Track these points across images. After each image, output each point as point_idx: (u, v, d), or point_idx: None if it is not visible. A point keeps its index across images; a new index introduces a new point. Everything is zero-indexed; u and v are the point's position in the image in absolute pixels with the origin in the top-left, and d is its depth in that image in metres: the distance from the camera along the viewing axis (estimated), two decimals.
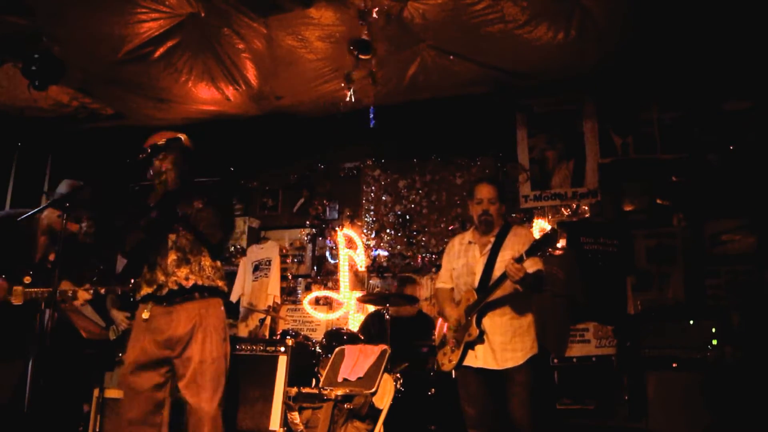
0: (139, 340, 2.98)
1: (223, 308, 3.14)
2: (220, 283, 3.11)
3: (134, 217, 3.11)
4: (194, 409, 2.91)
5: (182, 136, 3.10)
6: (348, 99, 5.03)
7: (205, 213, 3.05)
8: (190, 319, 2.97)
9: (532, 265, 3.21)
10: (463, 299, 3.44)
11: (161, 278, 3.00)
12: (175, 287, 2.99)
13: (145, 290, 3.03)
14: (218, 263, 3.16)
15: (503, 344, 3.28)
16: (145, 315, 2.99)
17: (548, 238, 3.15)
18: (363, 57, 4.54)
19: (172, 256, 3.03)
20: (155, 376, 2.96)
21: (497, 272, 3.33)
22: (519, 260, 3.14)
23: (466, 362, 3.36)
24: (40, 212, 3.61)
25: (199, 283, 3.02)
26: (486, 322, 3.32)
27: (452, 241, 3.73)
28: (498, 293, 3.30)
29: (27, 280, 3.56)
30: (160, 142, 3.06)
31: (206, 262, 3.08)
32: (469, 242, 3.56)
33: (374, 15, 4.29)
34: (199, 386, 2.91)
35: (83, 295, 3.60)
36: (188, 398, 2.93)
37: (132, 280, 3.25)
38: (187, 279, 3.00)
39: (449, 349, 3.46)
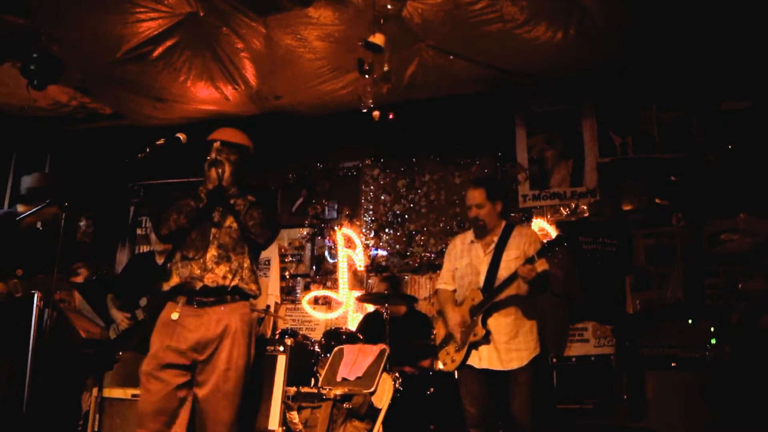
0: (165, 340, 2.87)
1: (250, 312, 3.08)
2: (254, 287, 3.04)
3: (177, 200, 3.03)
4: (211, 417, 2.84)
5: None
6: (368, 93, 4.99)
7: (256, 212, 3.01)
8: (220, 322, 2.89)
9: (540, 265, 3.21)
10: (467, 299, 3.43)
11: (196, 272, 2.92)
12: (211, 284, 2.91)
13: (175, 281, 2.94)
14: (255, 266, 3.10)
15: (508, 344, 3.28)
16: (174, 315, 2.89)
17: (561, 240, 3.17)
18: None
19: (213, 252, 2.95)
20: (179, 376, 2.86)
21: (502, 272, 3.32)
22: (530, 261, 3.14)
23: (470, 362, 3.35)
24: (39, 210, 3.61)
25: (236, 284, 2.95)
26: (491, 322, 3.31)
27: (453, 241, 3.72)
28: (504, 294, 3.30)
29: (19, 272, 3.56)
30: (229, 140, 3.09)
31: (246, 263, 3.01)
32: (471, 241, 3.55)
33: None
34: (223, 395, 2.84)
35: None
36: (207, 405, 2.85)
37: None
38: (224, 278, 2.93)
39: (453, 348, 3.46)
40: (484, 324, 3.30)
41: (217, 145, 3.05)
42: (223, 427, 2.85)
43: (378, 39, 4.28)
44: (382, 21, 4.25)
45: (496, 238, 3.45)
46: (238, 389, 2.90)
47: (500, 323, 3.32)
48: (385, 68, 4.49)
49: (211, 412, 2.85)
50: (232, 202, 3.02)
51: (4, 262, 3.67)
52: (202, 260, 2.94)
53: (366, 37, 4.24)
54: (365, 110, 4.91)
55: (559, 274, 5.23)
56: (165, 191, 3.18)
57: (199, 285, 2.91)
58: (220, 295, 2.93)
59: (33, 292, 3.53)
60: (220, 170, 3.01)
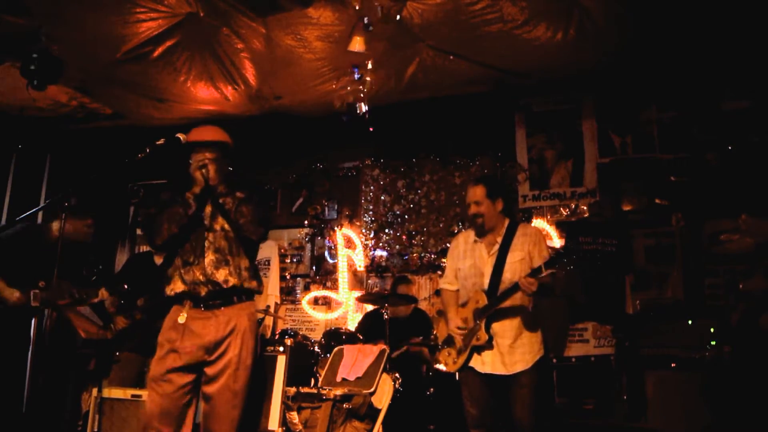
0: (173, 342, 2.88)
1: (255, 312, 3.11)
2: (255, 283, 3.05)
3: (167, 207, 3.01)
4: (220, 415, 2.86)
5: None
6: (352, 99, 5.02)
7: (246, 208, 2.99)
8: (228, 323, 2.91)
9: (547, 273, 3.14)
10: (470, 300, 3.39)
11: (199, 277, 2.92)
12: (214, 289, 2.92)
13: (180, 287, 2.94)
14: (253, 263, 3.09)
15: (511, 347, 3.25)
16: (182, 319, 2.90)
17: (570, 253, 3.12)
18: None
19: (210, 257, 2.95)
20: (185, 377, 2.87)
21: (507, 274, 3.29)
22: (537, 271, 3.09)
23: (474, 365, 3.32)
24: (43, 214, 3.65)
25: (238, 286, 2.96)
26: (495, 326, 3.28)
27: (456, 240, 3.63)
28: (509, 302, 3.26)
29: (42, 284, 3.62)
30: (208, 139, 3.05)
31: (243, 263, 3.01)
32: (475, 241, 3.48)
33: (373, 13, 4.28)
34: (233, 393, 2.87)
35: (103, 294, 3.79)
36: (216, 404, 2.87)
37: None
38: (225, 282, 2.93)
39: (455, 350, 3.43)
40: (488, 329, 3.26)
41: (199, 151, 3.04)
42: (231, 425, 2.86)
43: (356, 45, 4.29)
44: (365, 22, 4.26)
45: (500, 239, 3.39)
46: (246, 387, 2.92)
47: (504, 326, 3.28)
48: (368, 66, 4.54)
49: (220, 410, 2.86)
50: (221, 201, 3.02)
51: (27, 272, 3.74)
52: (201, 266, 2.94)
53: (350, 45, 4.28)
54: (361, 112, 4.93)
55: (560, 274, 5.23)
56: (158, 194, 3.15)
57: (203, 290, 2.92)
58: (225, 297, 2.95)
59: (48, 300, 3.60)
60: (204, 171, 3.00)
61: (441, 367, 3.64)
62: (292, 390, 3.99)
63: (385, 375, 4.11)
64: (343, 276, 6.25)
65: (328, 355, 4.49)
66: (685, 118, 5.61)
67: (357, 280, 6.36)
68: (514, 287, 3.18)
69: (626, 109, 5.82)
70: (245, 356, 2.92)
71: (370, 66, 4.74)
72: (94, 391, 3.80)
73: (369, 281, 6.39)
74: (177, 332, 2.90)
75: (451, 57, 5.17)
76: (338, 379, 4.21)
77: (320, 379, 4.34)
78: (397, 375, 4.23)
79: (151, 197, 3.13)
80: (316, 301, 6.42)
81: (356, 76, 4.81)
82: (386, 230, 6.43)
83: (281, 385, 4.01)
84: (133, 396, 3.68)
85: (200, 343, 2.87)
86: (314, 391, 4.00)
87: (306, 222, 6.73)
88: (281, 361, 4.14)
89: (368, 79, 4.79)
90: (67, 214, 3.97)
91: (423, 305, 5.90)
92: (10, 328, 3.77)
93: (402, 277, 5.81)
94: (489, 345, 3.27)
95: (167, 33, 4.78)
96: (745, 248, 5.13)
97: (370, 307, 5.72)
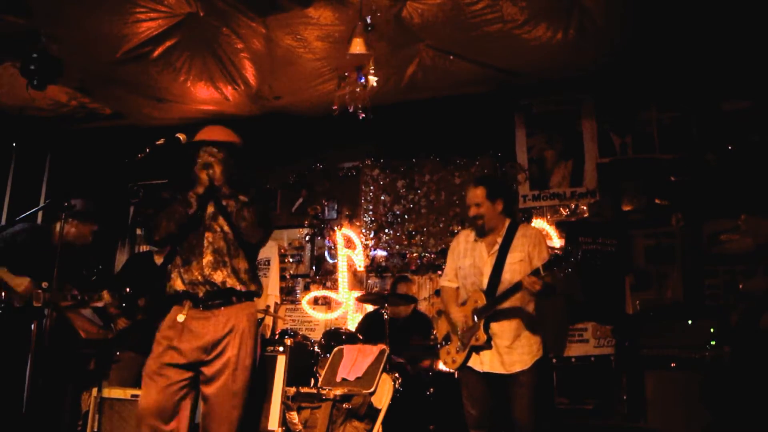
0: (172, 341, 2.88)
1: (256, 313, 3.10)
2: (254, 287, 3.05)
3: (168, 205, 3.01)
4: (219, 416, 2.85)
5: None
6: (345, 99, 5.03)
7: (247, 212, 2.97)
8: (227, 323, 2.91)
9: (546, 276, 3.15)
10: (470, 300, 3.39)
11: (198, 277, 2.92)
12: (212, 289, 2.92)
13: (180, 287, 2.94)
14: (253, 265, 3.09)
15: (510, 347, 3.25)
16: (181, 318, 2.90)
17: (569, 254, 3.11)
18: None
19: (209, 257, 2.94)
20: (181, 374, 2.87)
21: (506, 275, 3.29)
22: (536, 273, 3.09)
23: (472, 365, 3.32)
24: (43, 214, 3.64)
25: (237, 287, 2.95)
26: (494, 326, 3.28)
27: (457, 238, 3.64)
28: (508, 303, 3.26)
29: (45, 285, 3.62)
30: (216, 139, 3.04)
31: (242, 265, 3.00)
32: (475, 240, 3.49)
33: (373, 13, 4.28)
34: (232, 394, 2.86)
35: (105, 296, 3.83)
36: (215, 404, 2.86)
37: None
38: (223, 283, 2.93)
39: (454, 348, 3.44)
40: (486, 329, 3.26)
41: (208, 148, 3.03)
42: (230, 426, 2.85)
43: (356, 47, 4.28)
44: (368, 22, 4.25)
45: (500, 239, 3.39)
46: (245, 388, 2.91)
47: (504, 327, 3.28)
48: (371, 68, 4.53)
49: (219, 411, 2.85)
50: (224, 203, 3.01)
51: (31, 272, 3.75)
52: (200, 266, 2.94)
53: (351, 48, 4.27)
54: (360, 114, 4.93)
55: (558, 275, 5.23)
56: (158, 193, 3.15)
57: (201, 291, 2.92)
58: (224, 297, 2.94)
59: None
60: (210, 171, 2.99)
61: (441, 366, 3.65)
62: (292, 390, 3.99)
63: (385, 375, 4.11)
64: (343, 276, 6.25)
65: (328, 355, 4.49)
66: (685, 118, 5.61)
67: (357, 280, 6.36)
68: (515, 287, 3.18)
69: (626, 110, 5.82)
70: (244, 356, 2.91)
71: (370, 66, 4.74)
72: (94, 391, 3.80)
73: (369, 281, 6.39)
74: (175, 331, 2.89)
75: (451, 57, 5.18)
76: (338, 379, 4.21)
77: (320, 379, 4.34)
78: (397, 375, 4.23)
79: (151, 197, 3.12)
80: (316, 301, 6.42)
81: (360, 79, 4.81)
82: (386, 230, 6.43)
83: (281, 385, 4.00)
84: (133, 396, 3.68)
85: (199, 343, 2.86)
86: (314, 391, 4.00)
87: (306, 222, 6.73)
88: (281, 361, 4.14)
89: (369, 78, 4.79)
90: (74, 219, 4.02)
91: (423, 305, 5.90)
92: (11, 329, 3.78)
93: (402, 276, 5.81)
94: (487, 345, 3.27)
95: (167, 33, 4.78)
96: (745, 248, 5.13)
97: (369, 307, 5.73)
